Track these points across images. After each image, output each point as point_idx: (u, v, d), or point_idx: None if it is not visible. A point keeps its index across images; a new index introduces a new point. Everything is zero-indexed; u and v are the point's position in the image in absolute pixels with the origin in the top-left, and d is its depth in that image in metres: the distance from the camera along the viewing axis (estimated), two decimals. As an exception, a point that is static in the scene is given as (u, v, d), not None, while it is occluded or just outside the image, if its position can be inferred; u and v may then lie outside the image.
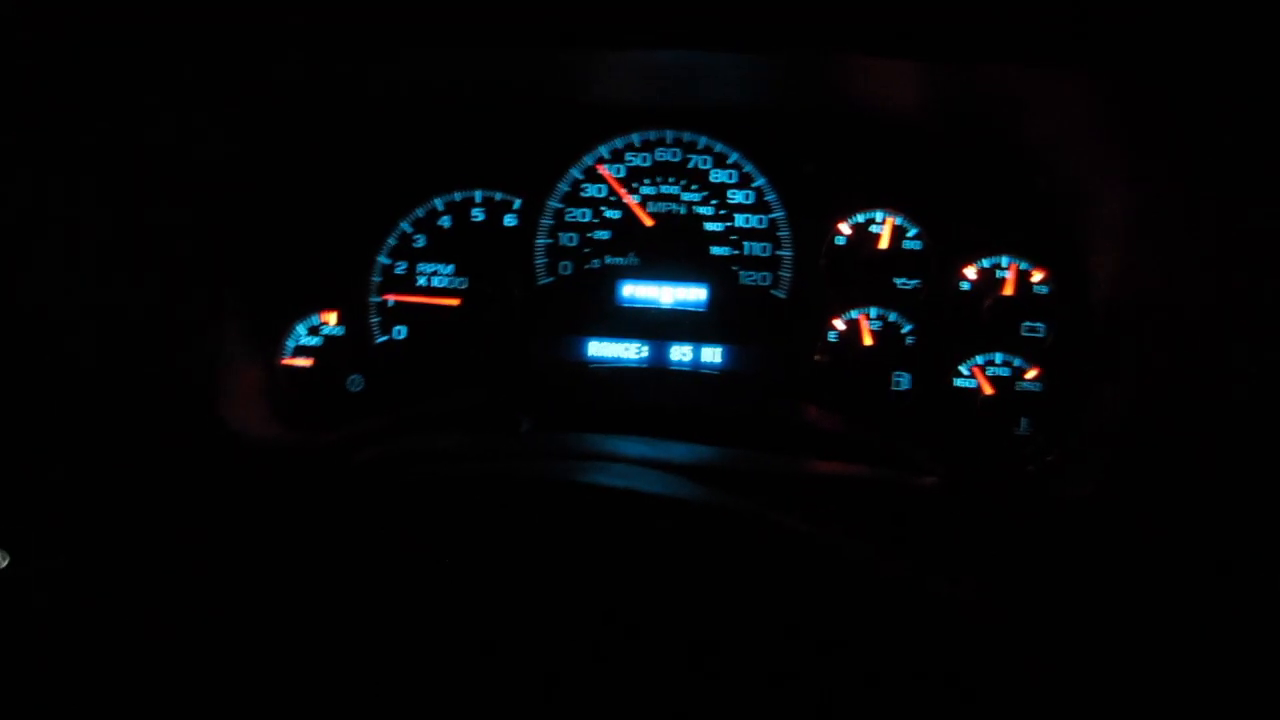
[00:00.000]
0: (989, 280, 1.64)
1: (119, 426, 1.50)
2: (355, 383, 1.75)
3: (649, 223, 1.70)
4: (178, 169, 1.52)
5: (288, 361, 1.74)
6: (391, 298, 1.74)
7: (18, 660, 1.40)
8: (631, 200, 1.70)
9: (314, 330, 1.75)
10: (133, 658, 1.38)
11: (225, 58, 1.41)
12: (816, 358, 1.68)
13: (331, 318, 1.75)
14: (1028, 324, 1.63)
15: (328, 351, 1.75)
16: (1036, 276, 1.63)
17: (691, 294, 1.71)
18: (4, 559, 1.46)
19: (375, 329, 1.74)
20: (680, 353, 1.72)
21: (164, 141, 1.50)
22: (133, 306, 1.51)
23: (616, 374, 1.70)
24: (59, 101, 1.43)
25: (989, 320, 1.63)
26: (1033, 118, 1.49)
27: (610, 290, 1.72)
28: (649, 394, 1.69)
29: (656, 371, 1.71)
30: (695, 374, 1.70)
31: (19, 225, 1.44)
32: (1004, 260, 1.64)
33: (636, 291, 1.72)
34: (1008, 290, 1.63)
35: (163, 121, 1.48)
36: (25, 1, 1.28)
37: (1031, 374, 1.63)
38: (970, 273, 1.65)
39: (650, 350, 1.72)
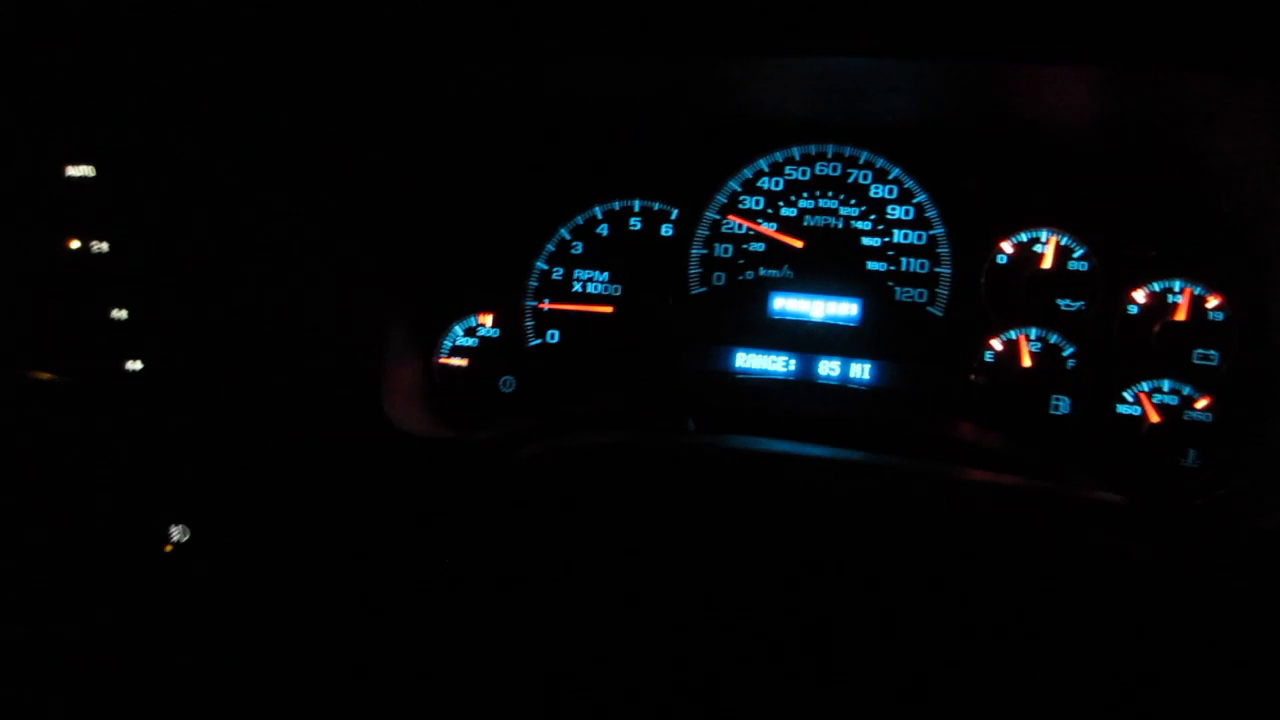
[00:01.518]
0: (1160, 304, 1.59)
1: (296, 419, 1.58)
2: (508, 384, 1.80)
3: (798, 244, 1.70)
4: (351, 175, 1.60)
5: (444, 361, 1.81)
6: (550, 292, 1.78)
7: (189, 626, 1.49)
8: (767, 230, 1.71)
9: (470, 331, 1.81)
10: (296, 638, 1.45)
11: (400, 68, 1.47)
12: (972, 377, 1.65)
13: (488, 320, 1.80)
14: (1200, 351, 1.57)
15: (482, 352, 1.80)
16: (1212, 302, 1.57)
17: (843, 309, 1.70)
18: (185, 533, 1.55)
19: (529, 332, 1.79)
20: (828, 367, 1.71)
21: (339, 148, 1.57)
22: (308, 306, 1.59)
23: (763, 385, 1.71)
24: (247, 114, 1.52)
25: (1158, 346, 1.58)
26: (1217, 133, 1.43)
27: (762, 302, 1.73)
28: (796, 405, 1.68)
29: (804, 384, 1.71)
30: (844, 388, 1.69)
31: (216, 234, 1.54)
32: (1177, 284, 1.59)
33: (788, 305, 1.72)
34: (1180, 315, 1.57)
35: (338, 129, 1.55)
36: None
37: (1202, 404, 1.57)
38: (1139, 296, 1.60)
39: (798, 363, 1.72)
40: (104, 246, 1.47)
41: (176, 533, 1.53)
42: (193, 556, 1.52)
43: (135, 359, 1.51)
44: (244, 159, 1.55)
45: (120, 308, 1.49)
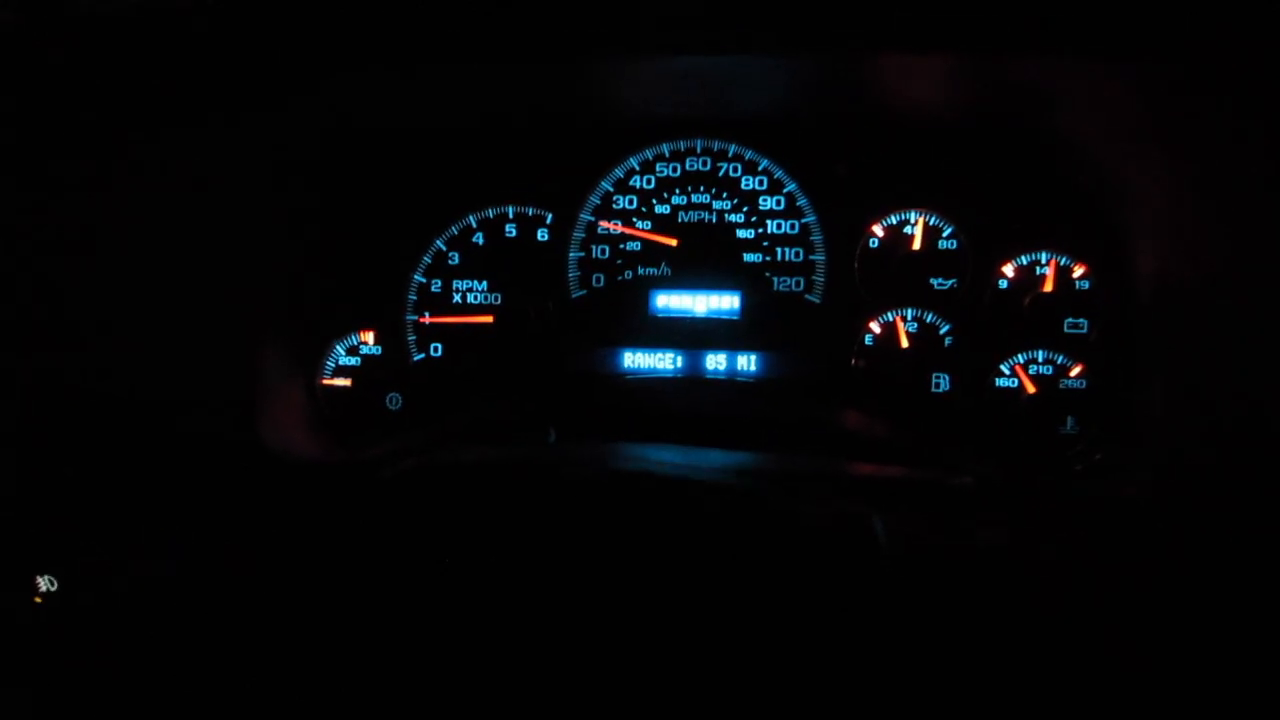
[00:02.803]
0: (1028, 277, 1.62)
1: (163, 449, 1.53)
2: (394, 400, 1.77)
3: (672, 243, 1.70)
4: (216, 193, 1.55)
5: (328, 382, 1.77)
6: (428, 306, 1.75)
7: (67, 673, 1.43)
8: (640, 231, 1.71)
9: (352, 350, 1.77)
10: (176, 668, 1.40)
11: (266, 77, 1.43)
12: (853, 362, 1.66)
13: (369, 337, 1.77)
14: (1070, 320, 1.60)
15: (366, 371, 1.77)
16: (1078, 272, 1.60)
17: (725, 302, 1.70)
18: (52, 584, 1.49)
19: (412, 347, 1.76)
20: (715, 361, 1.71)
21: (202, 166, 1.53)
22: (175, 330, 1.54)
23: (652, 384, 1.70)
24: (106, 123, 1.47)
25: (1030, 318, 1.60)
26: (1071, 113, 1.46)
27: (643, 301, 1.72)
28: (685, 403, 1.68)
29: (692, 380, 1.70)
30: (731, 382, 1.69)
31: (63, 247, 1.48)
32: (1044, 256, 1.61)
33: (669, 302, 1.71)
34: (1048, 286, 1.60)
35: (200, 145, 1.51)
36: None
37: (1075, 371, 1.60)
38: (1009, 270, 1.62)
39: (684, 360, 1.72)
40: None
41: (44, 583, 1.47)
42: (63, 607, 1.47)
43: (-14, 402, 1.45)
44: (99, 172, 1.49)
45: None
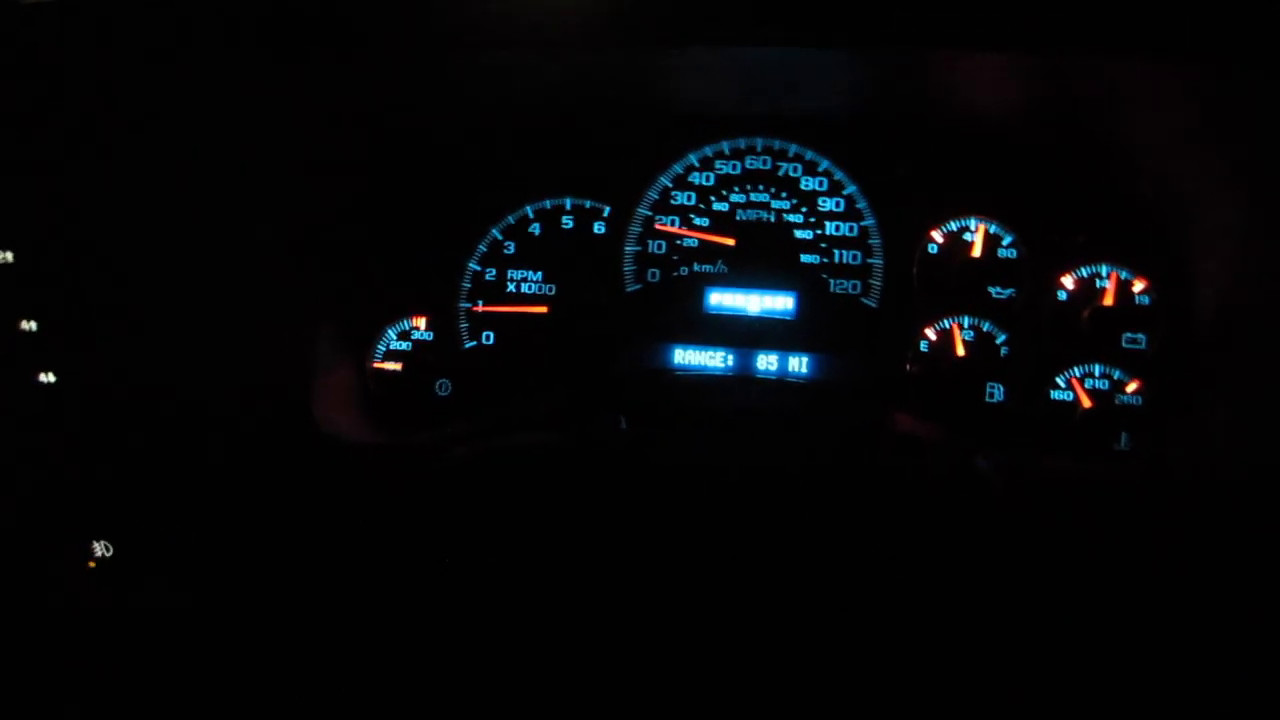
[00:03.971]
0: (1088, 290, 1.60)
1: (218, 429, 1.54)
2: (443, 387, 1.77)
3: (730, 242, 1.69)
4: (276, 176, 1.56)
5: (378, 365, 1.77)
6: (483, 294, 1.75)
7: (119, 641, 1.44)
8: (697, 230, 1.71)
9: (404, 335, 1.78)
10: (230, 647, 1.41)
11: (328, 62, 1.44)
12: (908, 367, 1.65)
13: (421, 323, 1.77)
14: (1128, 335, 1.59)
15: (417, 356, 1.77)
16: (1138, 286, 1.59)
17: (779, 302, 1.70)
18: (109, 550, 1.51)
19: (464, 334, 1.76)
20: (766, 361, 1.71)
21: (260, 148, 1.54)
22: (231, 313, 1.55)
23: (702, 380, 1.70)
24: (159, 112, 1.48)
25: (1088, 331, 1.59)
26: (1136, 120, 1.45)
27: (697, 298, 1.72)
28: (734, 401, 1.67)
29: (742, 379, 1.70)
30: (782, 382, 1.69)
31: (132, 238, 1.50)
32: (1104, 269, 1.60)
33: (724, 300, 1.71)
34: (1108, 300, 1.59)
35: (258, 129, 1.52)
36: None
37: (1132, 387, 1.58)
38: (1068, 282, 1.61)
39: (736, 359, 1.71)
40: (8, 256, 1.42)
41: (99, 549, 1.49)
42: (117, 573, 1.48)
43: (47, 371, 1.46)
44: (163, 156, 1.51)
45: (29, 318, 1.44)
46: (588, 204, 1.75)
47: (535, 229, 1.75)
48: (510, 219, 1.76)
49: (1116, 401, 1.58)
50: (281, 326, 1.61)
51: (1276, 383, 1.33)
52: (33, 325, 1.43)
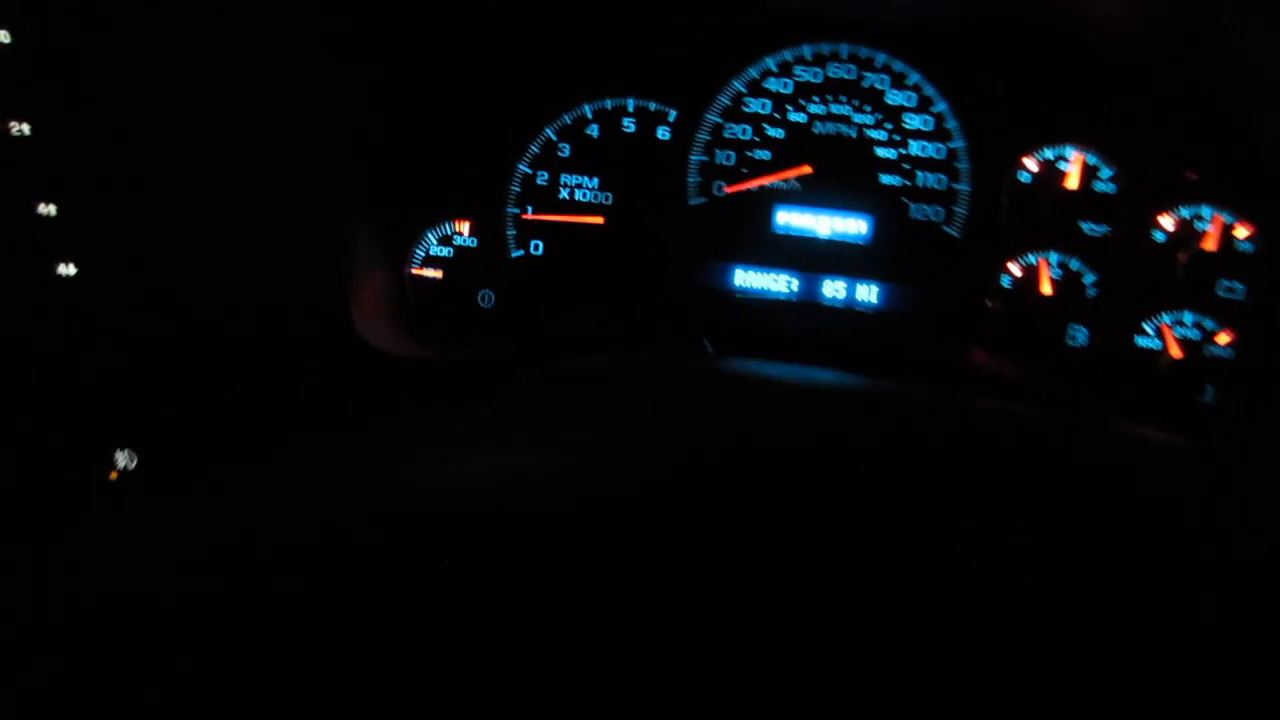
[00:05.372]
0: (1187, 231, 1.50)
1: (253, 333, 1.43)
2: (486, 298, 1.66)
3: (807, 171, 1.57)
4: (313, 62, 1.41)
5: (417, 271, 1.65)
6: (533, 199, 1.62)
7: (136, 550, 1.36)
8: (768, 176, 1.58)
9: (445, 240, 1.65)
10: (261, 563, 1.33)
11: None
12: (988, 303, 1.55)
13: (465, 228, 1.64)
14: (1225, 283, 1.49)
15: (459, 263, 1.65)
16: (1241, 232, 1.48)
17: (853, 225, 1.58)
18: (133, 460, 1.41)
19: (511, 243, 1.64)
20: (833, 289, 1.60)
21: (299, 33, 1.39)
22: (266, 205, 1.42)
23: (762, 305, 1.59)
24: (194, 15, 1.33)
25: (1183, 275, 1.49)
26: (1261, 50, 1.32)
27: (765, 216, 1.60)
28: (798, 327, 1.57)
29: (807, 305, 1.60)
30: (850, 311, 1.59)
31: (160, 116, 1.35)
32: (1206, 211, 1.49)
33: (792, 220, 1.59)
34: (1208, 244, 1.48)
35: (301, 16, 1.37)
36: None
37: (1224, 339, 1.49)
38: (1166, 222, 1.50)
39: (801, 284, 1.61)
40: (25, 128, 1.27)
41: (123, 459, 1.39)
42: (141, 485, 1.39)
43: (68, 262, 1.33)
44: (193, 33, 1.35)
45: (48, 202, 1.30)
46: (652, 106, 1.60)
47: (593, 131, 1.61)
48: (566, 119, 1.61)
49: (1206, 353, 1.50)
50: (316, 222, 1.48)
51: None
52: (52, 209, 1.29)
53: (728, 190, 1.59)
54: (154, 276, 1.38)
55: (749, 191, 1.59)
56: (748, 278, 1.61)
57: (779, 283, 1.61)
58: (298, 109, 1.43)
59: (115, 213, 1.35)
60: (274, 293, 1.46)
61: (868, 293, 1.59)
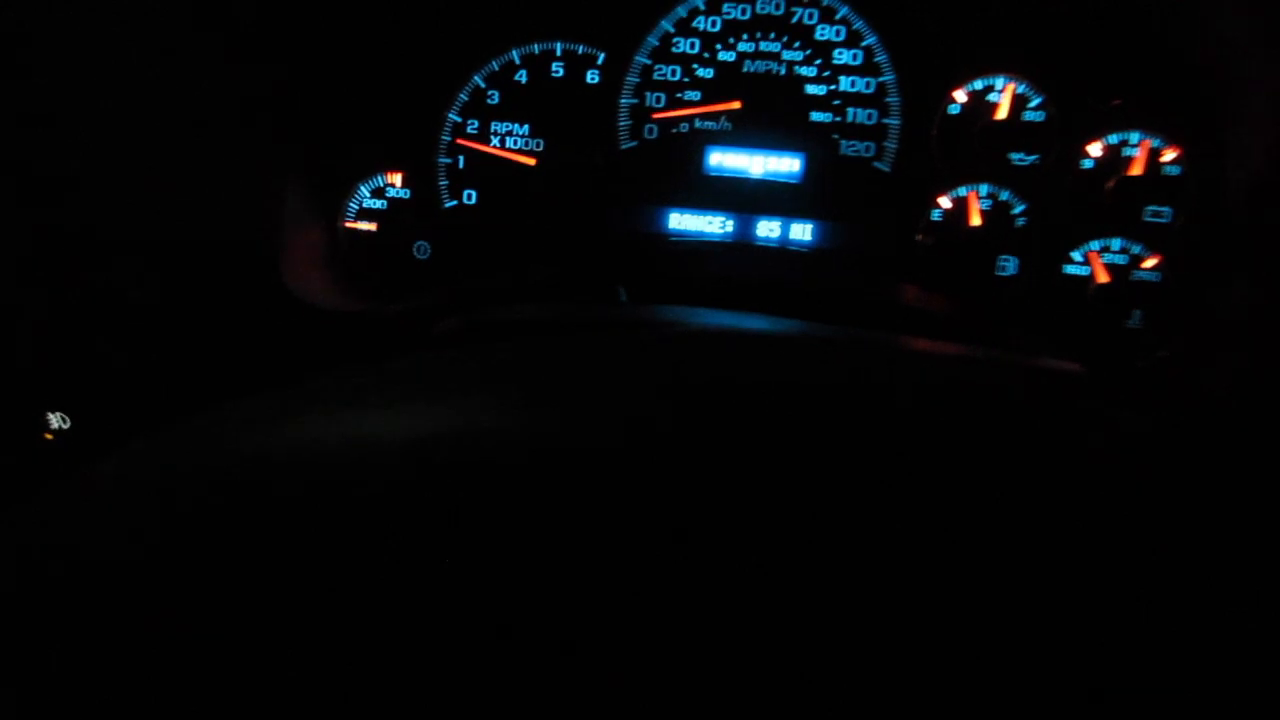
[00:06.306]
0: (1114, 158, 1.50)
1: (184, 290, 1.42)
2: (421, 249, 1.65)
3: (735, 106, 1.56)
4: (229, 17, 1.38)
5: (350, 224, 1.64)
6: (465, 148, 1.61)
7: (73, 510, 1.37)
8: (697, 107, 1.57)
9: (378, 192, 1.64)
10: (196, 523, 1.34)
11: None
12: (919, 237, 1.56)
13: (397, 179, 1.63)
14: (1152, 208, 1.50)
15: (392, 215, 1.64)
16: (1169, 156, 1.49)
17: (785, 164, 1.58)
18: (65, 421, 1.41)
19: (444, 192, 1.63)
20: (768, 228, 1.60)
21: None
22: (192, 165, 1.40)
23: (698, 248, 1.60)
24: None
25: (1110, 202, 1.50)
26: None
27: (697, 158, 1.59)
28: (732, 269, 1.58)
29: (742, 246, 1.60)
30: (784, 250, 1.59)
31: (77, 72, 1.32)
32: (1134, 136, 1.50)
33: (725, 160, 1.59)
34: (1136, 169, 1.49)
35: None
36: None
37: (1150, 263, 1.51)
38: (1095, 149, 1.51)
39: (735, 224, 1.61)
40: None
41: (55, 420, 1.39)
42: (75, 446, 1.39)
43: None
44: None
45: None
46: (580, 50, 1.58)
47: (522, 76, 1.59)
48: (494, 65, 1.59)
49: (1132, 277, 1.52)
50: (241, 181, 1.46)
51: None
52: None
53: (655, 118, 1.57)
54: (81, 237, 1.36)
55: (680, 133, 1.59)
56: (682, 220, 1.61)
57: (713, 224, 1.61)
58: (213, 65, 1.40)
59: (34, 172, 1.33)
60: (203, 252, 1.45)
61: (802, 231, 1.60)
